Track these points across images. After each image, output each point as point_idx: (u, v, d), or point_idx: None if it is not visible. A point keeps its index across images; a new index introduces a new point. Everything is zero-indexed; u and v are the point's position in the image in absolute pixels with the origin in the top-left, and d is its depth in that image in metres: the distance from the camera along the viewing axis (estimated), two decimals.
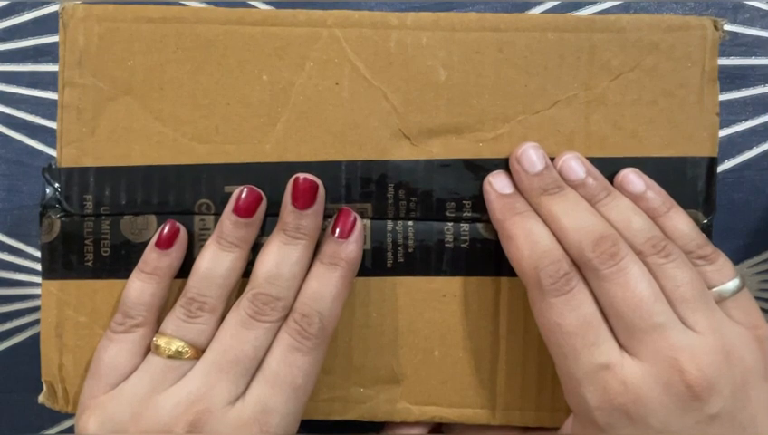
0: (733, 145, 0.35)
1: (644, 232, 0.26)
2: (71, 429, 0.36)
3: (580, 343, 0.25)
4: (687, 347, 0.24)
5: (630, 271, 0.25)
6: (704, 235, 0.27)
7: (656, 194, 0.28)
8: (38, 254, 0.35)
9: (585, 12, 0.35)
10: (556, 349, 0.26)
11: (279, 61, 0.28)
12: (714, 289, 0.26)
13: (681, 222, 0.27)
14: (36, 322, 0.36)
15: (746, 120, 0.35)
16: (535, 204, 0.27)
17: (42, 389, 0.29)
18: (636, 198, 0.27)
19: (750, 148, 0.35)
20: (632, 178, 0.28)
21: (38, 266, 0.36)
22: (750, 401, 0.24)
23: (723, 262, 0.27)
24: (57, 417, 0.35)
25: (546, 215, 0.27)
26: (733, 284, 0.26)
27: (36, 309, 0.36)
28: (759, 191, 0.35)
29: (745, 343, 0.25)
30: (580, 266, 0.26)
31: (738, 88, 0.35)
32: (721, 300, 0.26)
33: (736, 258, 0.35)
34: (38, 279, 0.36)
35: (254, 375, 0.26)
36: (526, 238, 0.26)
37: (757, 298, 0.35)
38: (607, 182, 0.28)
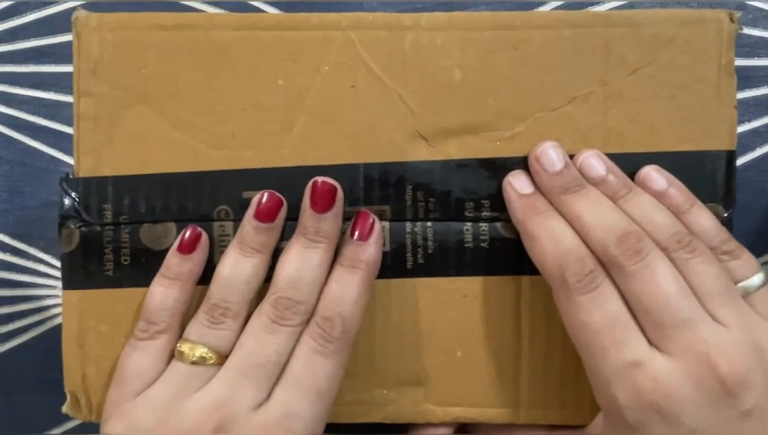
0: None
1: (668, 228, 0.26)
2: (73, 429, 0.36)
3: (608, 340, 0.25)
4: (718, 342, 0.24)
5: (656, 267, 0.25)
6: (727, 231, 0.27)
7: (678, 191, 0.27)
8: (40, 255, 0.35)
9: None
10: (584, 348, 0.26)
11: (293, 65, 0.28)
12: (739, 284, 0.26)
13: (704, 218, 0.27)
14: (39, 323, 0.36)
15: (749, 121, 0.35)
16: (557, 203, 0.27)
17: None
18: (658, 196, 0.27)
19: (753, 149, 0.35)
20: (654, 175, 0.28)
21: (40, 267, 0.36)
22: None
23: (747, 257, 0.27)
24: (59, 418, 0.35)
25: (568, 213, 0.27)
26: (758, 278, 0.26)
27: (38, 310, 0.36)
28: (761, 192, 0.34)
29: None
30: (604, 264, 0.26)
31: (741, 89, 0.34)
32: (746, 295, 0.26)
33: None
34: (40, 280, 0.36)
35: (277, 380, 0.26)
36: (549, 238, 0.26)
37: None
38: (627, 179, 0.28)
